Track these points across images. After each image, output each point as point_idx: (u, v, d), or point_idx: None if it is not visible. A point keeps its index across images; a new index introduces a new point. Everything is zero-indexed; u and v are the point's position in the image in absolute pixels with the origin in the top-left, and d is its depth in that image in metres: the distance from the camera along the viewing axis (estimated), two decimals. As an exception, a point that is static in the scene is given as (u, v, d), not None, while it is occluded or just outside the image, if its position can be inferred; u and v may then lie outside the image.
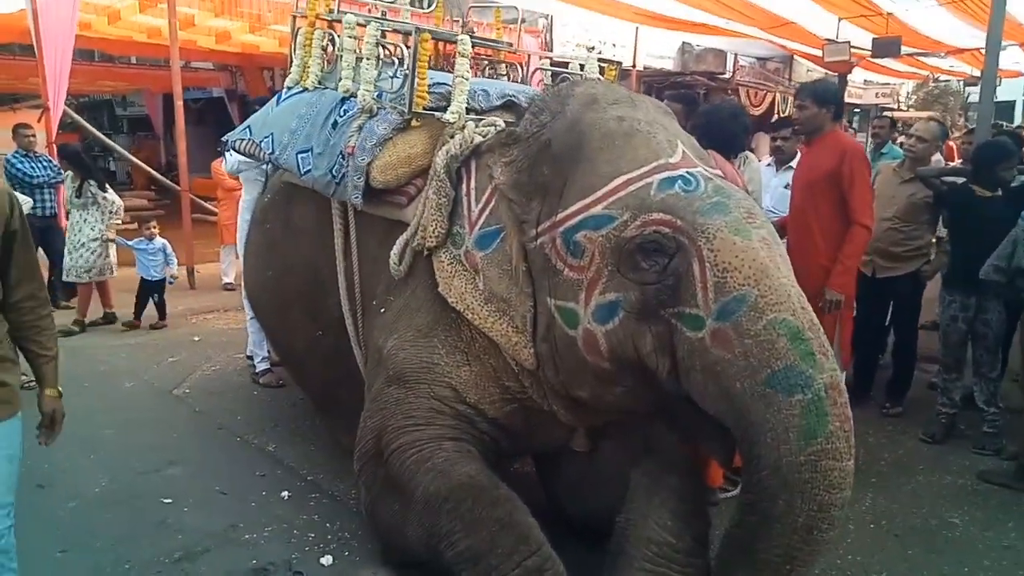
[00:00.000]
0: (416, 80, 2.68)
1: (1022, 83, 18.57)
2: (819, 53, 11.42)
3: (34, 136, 6.07)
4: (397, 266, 2.65)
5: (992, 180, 3.77)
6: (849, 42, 10.57)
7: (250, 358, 4.63)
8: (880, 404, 4.35)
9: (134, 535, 2.82)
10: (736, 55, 13.07)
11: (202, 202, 8.57)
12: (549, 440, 2.75)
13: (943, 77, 17.22)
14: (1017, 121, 18.53)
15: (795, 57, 14.53)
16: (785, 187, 4.39)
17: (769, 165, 4.70)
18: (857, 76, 16.26)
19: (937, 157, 5.06)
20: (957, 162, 5.71)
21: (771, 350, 1.88)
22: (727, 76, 13.09)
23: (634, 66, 11.31)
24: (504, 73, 3.74)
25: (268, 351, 4.46)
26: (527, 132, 2.44)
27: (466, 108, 2.71)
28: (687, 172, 2.16)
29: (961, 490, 3.41)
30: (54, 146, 6.10)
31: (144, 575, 2.59)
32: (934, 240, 4.36)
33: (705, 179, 2.16)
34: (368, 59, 2.90)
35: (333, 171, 2.91)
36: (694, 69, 12.75)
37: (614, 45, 11.23)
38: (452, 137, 2.61)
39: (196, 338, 5.53)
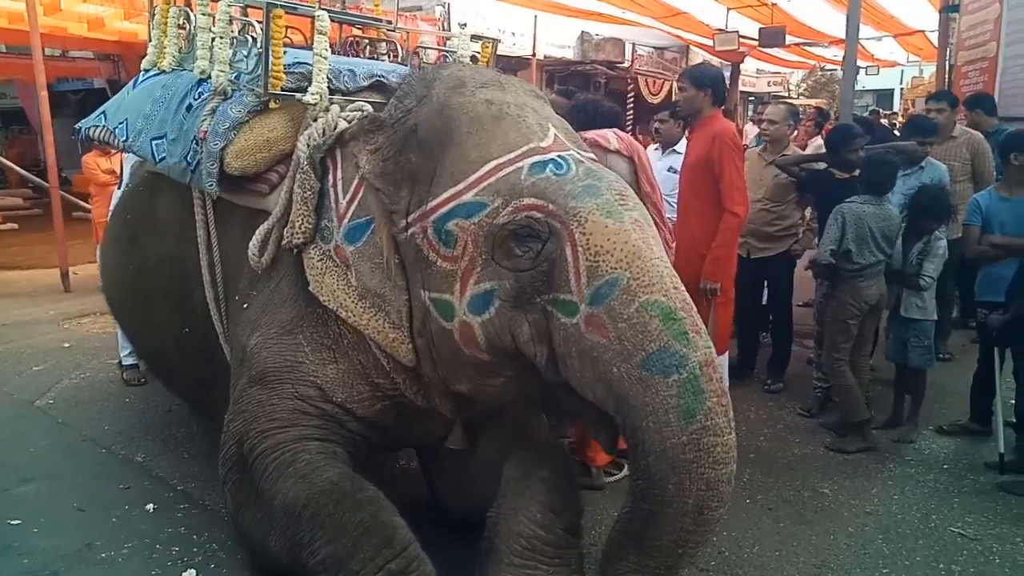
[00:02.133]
0: (271, 59, 2.53)
1: (899, 72, 19.77)
2: (711, 43, 11.75)
3: None
4: (258, 258, 2.51)
5: (845, 162, 3.95)
6: (738, 32, 10.95)
7: (121, 364, 4.37)
8: (763, 381, 4.50)
9: (-29, 563, 2.59)
10: (634, 44, 13.30)
11: (79, 201, 8.04)
12: (424, 435, 2.69)
13: (828, 66, 18.09)
14: (896, 107, 19.67)
15: (690, 47, 14.93)
16: (668, 170, 4.45)
17: (656, 148, 4.78)
18: (749, 65, 16.91)
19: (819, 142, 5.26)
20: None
21: (644, 332, 1.86)
22: (626, 65, 13.31)
23: (534, 55, 11.34)
24: (384, 53, 3.62)
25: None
26: (392, 117, 2.34)
27: (331, 89, 2.59)
28: (558, 156, 2.12)
29: (832, 460, 3.56)
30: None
31: (-20, 606, 2.38)
32: (801, 219, 4.53)
33: (576, 162, 2.13)
34: (222, 38, 2.74)
35: (188, 158, 2.75)
36: (594, 58, 12.89)
37: (513, 34, 11.20)
38: (315, 120, 2.48)
39: (66, 344, 5.17)
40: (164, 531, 2.81)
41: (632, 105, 12.52)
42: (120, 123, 3.18)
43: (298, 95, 2.57)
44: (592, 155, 2.35)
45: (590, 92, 11.90)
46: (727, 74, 16.06)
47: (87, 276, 6.98)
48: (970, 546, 2.83)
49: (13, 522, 2.84)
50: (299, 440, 2.33)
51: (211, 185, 2.65)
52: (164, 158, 2.86)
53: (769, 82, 18.48)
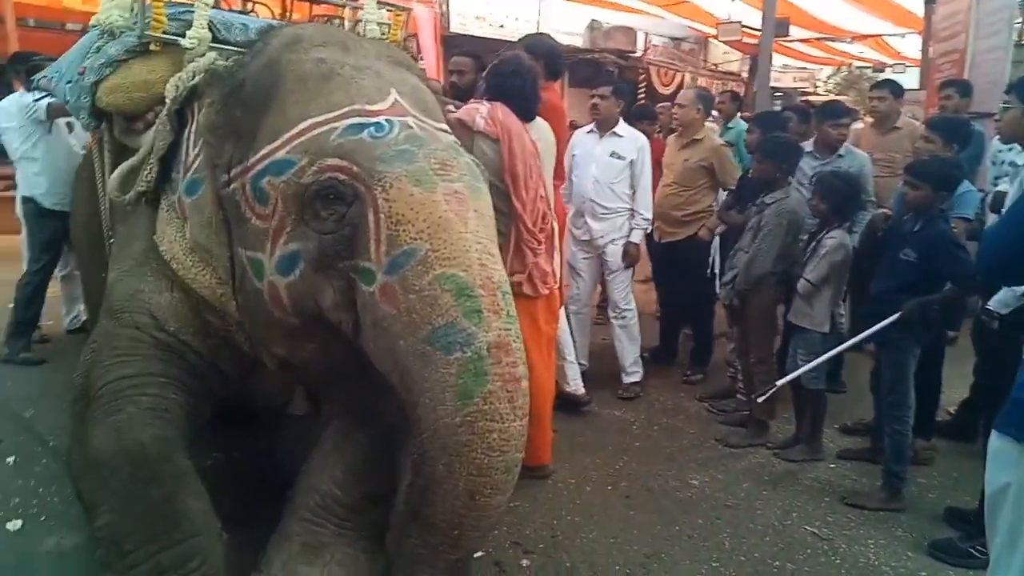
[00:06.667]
0: (150, 2, 2.54)
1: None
2: (714, 32, 11.51)
3: None
4: (118, 193, 2.48)
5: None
6: (740, 22, 10.66)
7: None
8: (683, 372, 4.41)
9: None
10: (647, 34, 13.06)
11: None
12: (267, 393, 2.67)
13: (856, 63, 17.55)
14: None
15: (709, 39, 14.63)
16: (611, 155, 4.22)
17: (591, 132, 4.51)
18: (776, 60, 16.48)
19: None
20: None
21: (433, 306, 1.79)
22: (638, 55, 13.08)
23: (539, 41, 11.20)
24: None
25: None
26: (227, 71, 2.32)
27: (221, 40, 2.59)
28: (386, 119, 2.04)
29: (719, 454, 3.44)
30: None
31: None
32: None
33: (403, 126, 2.04)
34: None
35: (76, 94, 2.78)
36: (603, 46, 12.69)
37: (516, 19, 11.08)
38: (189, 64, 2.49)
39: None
40: (15, 483, 2.85)
41: (644, 96, 12.31)
42: (56, 71, 3.24)
43: (180, 39, 2.56)
44: (439, 125, 2.24)
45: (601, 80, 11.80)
46: (747, 67, 15.75)
47: None
48: (817, 545, 2.72)
49: None
50: (139, 380, 2.25)
51: (83, 118, 2.68)
52: (68, 98, 2.90)
53: (795, 77, 18.03)
